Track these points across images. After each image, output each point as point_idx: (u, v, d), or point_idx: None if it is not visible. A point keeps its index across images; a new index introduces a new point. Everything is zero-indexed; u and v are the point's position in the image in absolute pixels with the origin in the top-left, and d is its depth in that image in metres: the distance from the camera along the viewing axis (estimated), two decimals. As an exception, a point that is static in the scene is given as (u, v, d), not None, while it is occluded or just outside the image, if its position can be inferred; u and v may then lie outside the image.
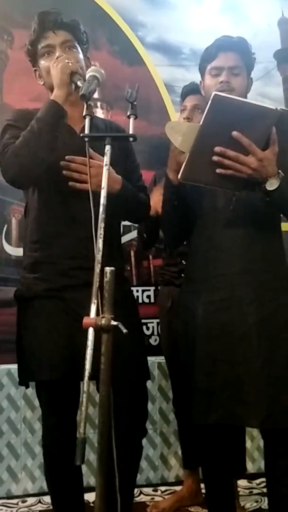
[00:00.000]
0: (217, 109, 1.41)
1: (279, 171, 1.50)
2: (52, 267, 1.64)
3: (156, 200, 2.01)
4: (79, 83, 1.52)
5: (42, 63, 1.70)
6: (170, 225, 1.82)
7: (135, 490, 1.93)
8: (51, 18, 1.69)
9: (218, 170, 1.48)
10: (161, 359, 2.52)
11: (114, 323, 1.17)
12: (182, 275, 2.18)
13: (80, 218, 1.58)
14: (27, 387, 1.77)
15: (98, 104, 2.76)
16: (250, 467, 2.61)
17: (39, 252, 1.67)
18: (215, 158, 1.47)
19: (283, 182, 1.50)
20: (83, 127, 1.44)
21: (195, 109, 2.23)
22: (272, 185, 1.50)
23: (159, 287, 2.52)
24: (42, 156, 1.55)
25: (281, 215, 1.73)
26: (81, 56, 1.72)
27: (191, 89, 2.27)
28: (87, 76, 1.49)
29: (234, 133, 1.44)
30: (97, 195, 1.33)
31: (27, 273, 1.69)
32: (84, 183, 1.54)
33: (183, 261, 2.24)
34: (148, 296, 2.72)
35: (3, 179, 1.64)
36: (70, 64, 1.58)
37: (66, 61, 1.58)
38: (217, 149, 1.46)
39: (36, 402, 2.47)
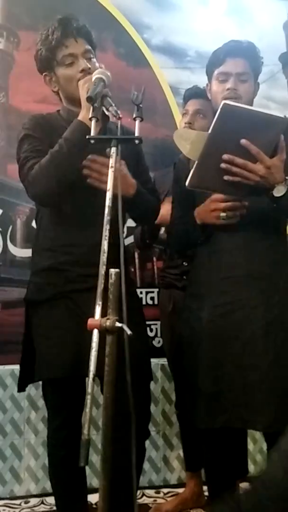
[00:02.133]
0: (226, 118, 1.43)
1: (287, 177, 1.51)
2: (61, 274, 1.66)
3: (165, 210, 2.01)
4: (110, 109, 1.46)
5: (63, 71, 1.68)
6: (185, 247, 1.86)
7: (138, 492, 1.93)
8: (73, 25, 1.67)
9: (226, 177, 1.49)
10: (164, 361, 2.52)
11: (118, 324, 1.17)
12: (184, 277, 2.18)
13: (93, 226, 1.57)
14: (23, 390, 1.77)
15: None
16: (253, 470, 2.61)
17: (51, 260, 1.69)
18: (223, 165, 1.48)
19: None
20: (99, 130, 1.44)
21: (197, 114, 2.23)
22: (279, 191, 1.51)
23: (160, 290, 2.53)
24: (69, 177, 1.56)
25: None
26: (98, 65, 1.69)
27: (194, 93, 2.27)
28: (93, 79, 1.49)
29: (243, 141, 1.45)
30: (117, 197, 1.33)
31: (38, 278, 1.72)
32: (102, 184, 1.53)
33: (184, 263, 2.24)
34: (152, 298, 2.72)
35: (24, 187, 1.66)
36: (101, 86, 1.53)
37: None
38: (226, 156, 1.47)
39: (40, 403, 2.49)
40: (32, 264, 1.80)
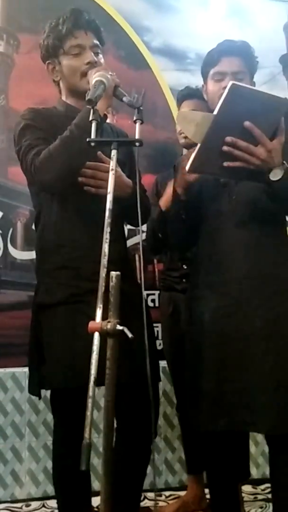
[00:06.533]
0: (232, 99, 1.40)
1: (284, 161, 1.49)
2: (75, 271, 1.62)
3: (167, 195, 1.99)
4: (124, 99, 1.48)
5: (68, 62, 1.67)
6: (178, 232, 1.81)
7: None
8: (85, 18, 1.68)
9: (225, 164, 1.47)
10: (165, 363, 2.51)
11: (120, 327, 1.17)
12: (184, 280, 2.18)
13: (101, 221, 1.57)
14: (40, 397, 1.70)
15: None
16: (255, 473, 2.60)
17: (62, 257, 1.64)
18: (225, 148, 1.45)
19: (286, 173, 1.49)
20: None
21: None
22: (276, 175, 1.48)
23: (160, 292, 2.52)
24: (79, 163, 1.55)
25: (287, 218, 1.72)
26: (103, 63, 1.69)
27: (187, 94, 2.29)
28: (93, 81, 1.49)
29: (247, 123, 1.43)
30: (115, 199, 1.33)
31: (49, 278, 1.66)
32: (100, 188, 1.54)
33: (184, 265, 2.24)
34: (153, 300, 2.72)
35: (26, 177, 1.65)
36: (116, 77, 1.54)
37: (110, 73, 1.53)
38: (228, 139, 1.44)
39: (41, 406, 2.49)
40: (40, 265, 1.74)
